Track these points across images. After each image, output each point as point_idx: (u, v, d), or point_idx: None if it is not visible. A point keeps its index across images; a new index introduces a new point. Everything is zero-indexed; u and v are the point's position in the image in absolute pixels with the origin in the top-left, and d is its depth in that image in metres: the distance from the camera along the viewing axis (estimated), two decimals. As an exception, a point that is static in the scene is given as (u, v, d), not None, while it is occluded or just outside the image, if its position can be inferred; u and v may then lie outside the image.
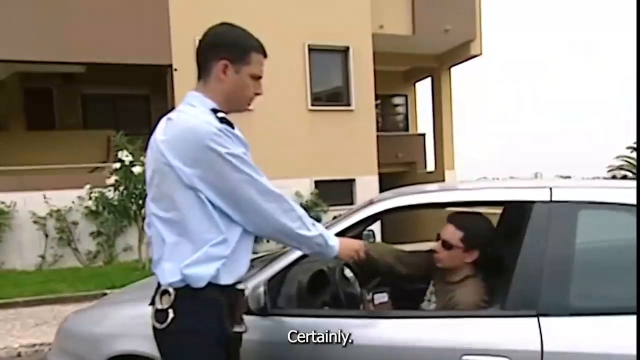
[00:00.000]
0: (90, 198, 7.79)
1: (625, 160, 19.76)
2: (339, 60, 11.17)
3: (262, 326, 1.98)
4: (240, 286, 1.68)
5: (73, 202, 8.74)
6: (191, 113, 1.57)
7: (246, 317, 1.76)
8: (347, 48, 11.03)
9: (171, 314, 1.52)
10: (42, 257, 8.67)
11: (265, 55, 1.71)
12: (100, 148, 11.06)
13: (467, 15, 13.16)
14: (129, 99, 12.78)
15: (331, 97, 11.33)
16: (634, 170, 18.11)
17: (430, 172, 15.18)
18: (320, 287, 2.67)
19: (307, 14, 10.56)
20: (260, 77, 1.71)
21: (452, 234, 2.11)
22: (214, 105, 1.62)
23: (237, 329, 1.62)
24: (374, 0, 11.39)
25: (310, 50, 10.70)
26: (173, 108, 1.74)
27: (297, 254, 2.08)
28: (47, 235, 8.66)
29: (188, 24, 9.36)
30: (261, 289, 1.94)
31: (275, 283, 2.11)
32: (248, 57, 1.64)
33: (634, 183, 2.03)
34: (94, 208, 8.12)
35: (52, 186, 8.76)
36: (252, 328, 1.87)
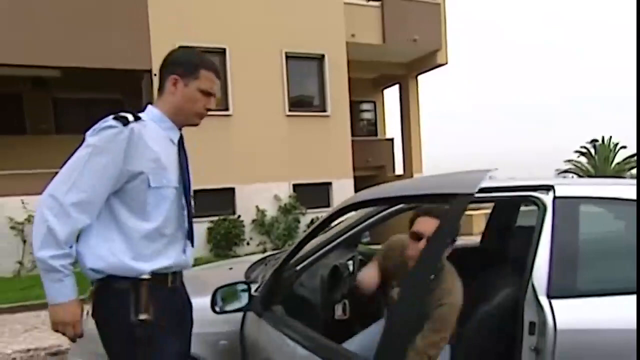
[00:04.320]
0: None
1: (574, 164, 20.66)
2: (315, 68, 11.27)
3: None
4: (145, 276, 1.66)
5: (52, 207, 8.44)
6: None
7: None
8: (323, 56, 11.15)
9: None
10: (20, 263, 8.35)
11: (217, 76, 1.79)
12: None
13: (433, 27, 13.57)
14: (102, 103, 12.41)
15: (308, 103, 11.40)
16: (581, 174, 18.92)
17: (399, 176, 15.46)
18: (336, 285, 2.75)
19: (284, 23, 10.62)
20: (211, 94, 1.77)
21: (427, 223, 2.00)
22: (158, 114, 1.73)
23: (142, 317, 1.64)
24: (347, 11, 11.58)
25: (287, 57, 10.75)
26: None
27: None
28: (25, 241, 8.32)
29: (168, 30, 9.25)
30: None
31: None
32: (197, 72, 1.72)
33: (624, 181, 2.18)
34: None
35: (30, 191, 8.44)
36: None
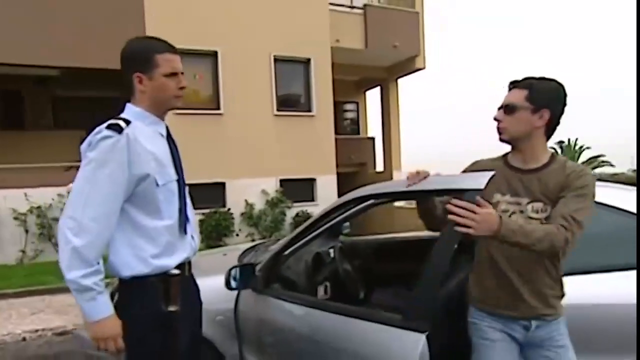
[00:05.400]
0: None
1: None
2: (302, 70, 11.47)
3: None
4: (173, 271, 1.69)
5: (53, 199, 8.57)
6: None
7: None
8: (309, 59, 11.37)
9: None
10: (23, 251, 8.46)
11: (173, 51, 1.70)
12: (74, 148, 10.80)
13: (412, 34, 13.82)
14: (101, 101, 12.47)
15: (294, 103, 11.60)
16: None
17: (380, 172, 15.72)
18: (319, 269, 3.03)
19: (273, 28, 10.82)
20: (175, 73, 1.69)
21: (515, 95, 1.71)
22: (139, 112, 1.68)
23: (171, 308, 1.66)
24: (332, 17, 11.80)
25: (275, 60, 10.94)
26: None
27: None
28: (27, 231, 8.45)
29: (163, 34, 9.33)
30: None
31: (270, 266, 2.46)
32: (153, 61, 1.65)
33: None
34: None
35: (32, 184, 8.58)
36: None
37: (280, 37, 10.91)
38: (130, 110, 1.69)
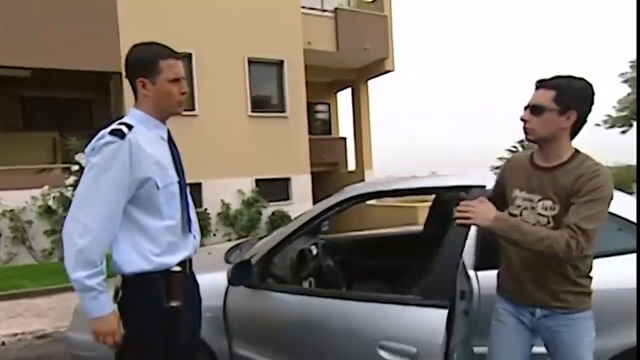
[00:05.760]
0: (50, 198, 7.54)
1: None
2: (275, 72, 11.53)
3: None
4: (175, 268, 1.74)
5: (26, 202, 8.36)
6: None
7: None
8: (282, 61, 11.43)
9: None
10: (-5, 255, 8.25)
11: (176, 57, 1.72)
12: (45, 150, 10.57)
13: (382, 37, 14.04)
14: (72, 102, 12.22)
15: (268, 104, 11.64)
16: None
17: (352, 172, 15.86)
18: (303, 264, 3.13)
19: (247, 31, 10.83)
20: (178, 79, 1.71)
21: (542, 95, 1.69)
22: (143, 116, 1.71)
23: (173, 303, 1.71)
24: (304, 21, 11.90)
25: (249, 62, 10.98)
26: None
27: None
28: (0, 234, 8.23)
29: (137, 33, 9.19)
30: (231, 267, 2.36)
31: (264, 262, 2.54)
32: (158, 67, 1.68)
33: None
34: (54, 207, 7.84)
35: (3, 186, 8.34)
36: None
37: (254, 39, 10.94)
38: (134, 114, 1.72)
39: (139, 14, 9.52)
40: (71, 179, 7.20)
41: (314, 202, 11.11)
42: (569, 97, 1.66)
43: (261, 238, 3.39)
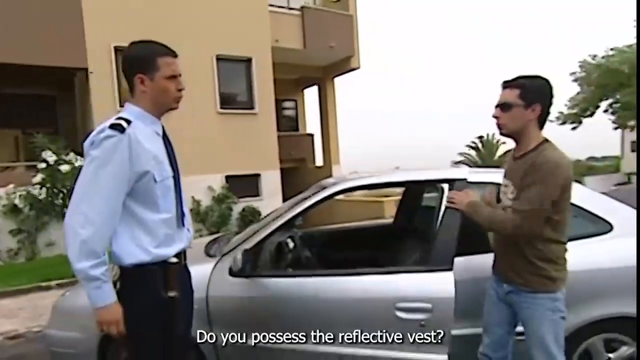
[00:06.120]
0: (17, 197, 7.28)
1: (465, 156, 22.45)
2: (243, 69, 11.48)
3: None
4: (173, 259, 1.77)
5: (-10, 201, 8.06)
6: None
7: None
8: (250, 59, 11.40)
9: None
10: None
11: (173, 55, 1.76)
12: (7, 148, 10.17)
13: (347, 35, 14.18)
14: (34, 99, 11.78)
15: (237, 101, 11.58)
16: (471, 164, 20.68)
17: (320, 167, 15.99)
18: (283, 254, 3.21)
19: (215, 29, 10.73)
20: (175, 76, 1.75)
21: (509, 94, 1.90)
22: (140, 112, 1.73)
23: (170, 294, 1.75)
24: (271, 18, 11.88)
25: (218, 59, 10.89)
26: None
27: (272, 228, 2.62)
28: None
29: (103, 30, 9.05)
30: (239, 257, 2.40)
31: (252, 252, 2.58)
32: (156, 64, 1.71)
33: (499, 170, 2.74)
34: (21, 206, 7.58)
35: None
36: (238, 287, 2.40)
37: (222, 36, 10.86)
38: (131, 110, 1.73)
39: (105, 10, 9.27)
40: (38, 177, 6.96)
41: (284, 198, 11.16)
42: (532, 93, 1.88)
43: (237, 233, 3.44)
